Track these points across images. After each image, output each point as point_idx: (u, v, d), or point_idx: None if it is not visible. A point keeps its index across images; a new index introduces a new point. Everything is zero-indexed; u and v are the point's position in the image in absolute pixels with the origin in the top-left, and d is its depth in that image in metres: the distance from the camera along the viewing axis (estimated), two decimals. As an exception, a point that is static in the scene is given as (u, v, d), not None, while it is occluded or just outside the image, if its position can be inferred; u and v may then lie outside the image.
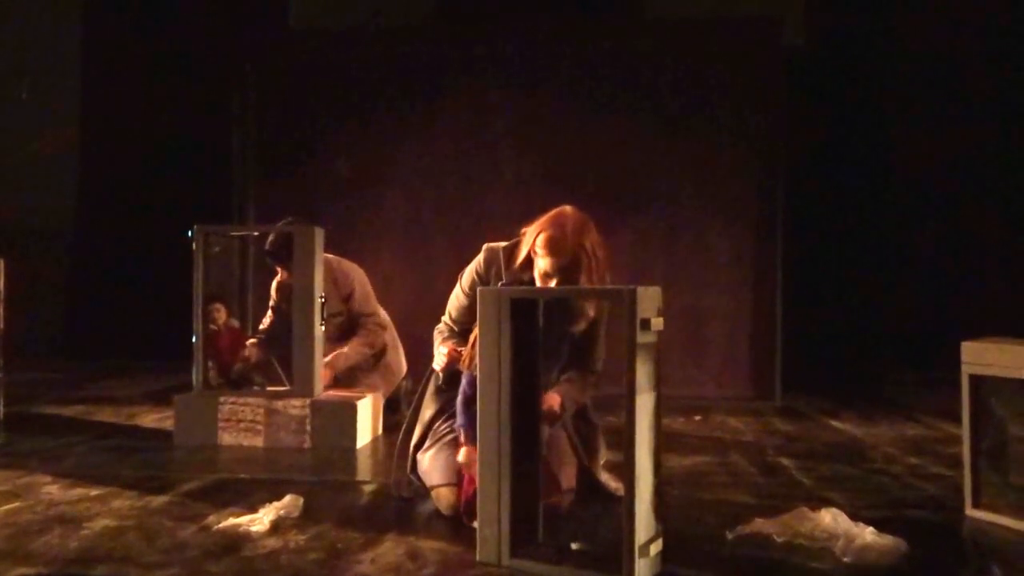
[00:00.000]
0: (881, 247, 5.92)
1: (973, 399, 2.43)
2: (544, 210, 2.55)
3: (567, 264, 2.42)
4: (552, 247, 2.42)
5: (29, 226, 7.01)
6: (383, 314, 4.23)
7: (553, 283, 2.45)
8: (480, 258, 2.70)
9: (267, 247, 3.97)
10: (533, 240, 2.47)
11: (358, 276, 4.15)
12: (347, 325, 4.10)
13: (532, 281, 2.53)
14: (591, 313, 2.58)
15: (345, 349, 3.98)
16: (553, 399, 2.47)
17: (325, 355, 3.81)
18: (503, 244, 2.67)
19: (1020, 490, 2.42)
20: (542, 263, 2.45)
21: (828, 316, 5.84)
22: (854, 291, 5.90)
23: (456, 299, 2.75)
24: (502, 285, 2.51)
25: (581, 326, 2.58)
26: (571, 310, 2.54)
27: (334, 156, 5.53)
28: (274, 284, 4.23)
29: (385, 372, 4.16)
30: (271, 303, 4.27)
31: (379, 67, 5.52)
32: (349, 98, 5.53)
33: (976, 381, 2.42)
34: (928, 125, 5.88)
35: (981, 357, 2.38)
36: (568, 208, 2.52)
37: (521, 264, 2.53)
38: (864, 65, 5.98)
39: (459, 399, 2.35)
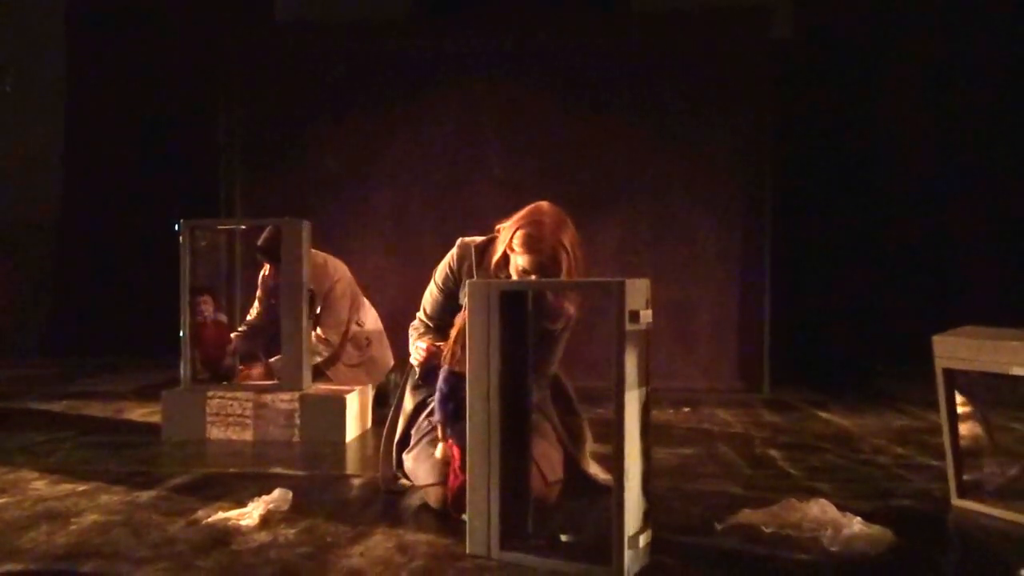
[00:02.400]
0: (869, 240, 5.94)
1: (948, 393, 2.45)
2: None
3: (546, 262, 2.38)
4: (531, 245, 2.38)
5: (14, 221, 6.96)
6: (366, 310, 4.22)
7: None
8: (453, 253, 2.66)
9: (260, 243, 3.97)
10: (510, 237, 2.42)
11: (340, 277, 4.13)
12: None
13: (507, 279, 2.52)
14: (571, 311, 2.55)
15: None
16: None
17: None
18: (477, 239, 2.64)
19: (1004, 479, 2.44)
20: (520, 260, 2.41)
21: (816, 308, 5.86)
22: (842, 283, 5.92)
23: (430, 295, 2.72)
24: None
25: (560, 324, 2.56)
26: (548, 308, 2.51)
27: (321, 150, 5.51)
28: (260, 277, 4.23)
29: (371, 366, 4.16)
30: (258, 294, 4.27)
31: (366, 62, 5.49)
32: (336, 92, 5.51)
33: (950, 374, 2.44)
34: (917, 118, 5.90)
35: (953, 351, 2.39)
36: (545, 204, 2.47)
37: (497, 262, 2.49)
38: (853, 58, 6.00)
39: (436, 395, 2.35)
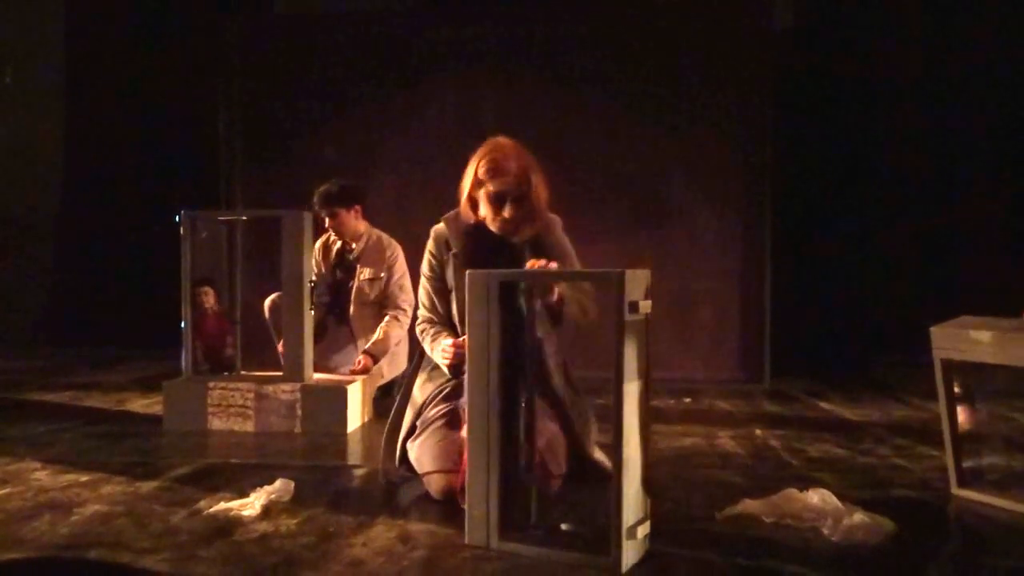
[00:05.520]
0: (869, 230, 5.93)
1: (947, 383, 2.45)
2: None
3: (513, 181, 2.46)
4: (498, 167, 2.46)
5: (15, 212, 6.96)
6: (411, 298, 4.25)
7: (507, 207, 2.48)
8: (430, 240, 2.73)
9: (318, 195, 4.10)
10: (474, 172, 2.50)
11: (400, 252, 4.23)
12: (381, 296, 4.17)
13: (480, 230, 2.56)
14: (553, 265, 2.51)
15: (379, 336, 4.06)
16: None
17: (359, 327, 4.11)
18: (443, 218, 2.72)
19: (1003, 469, 2.45)
20: (490, 187, 2.48)
21: (816, 298, 5.86)
22: (842, 274, 5.92)
23: (423, 288, 2.75)
24: (453, 255, 2.56)
25: (552, 298, 2.55)
26: (533, 243, 2.57)
27: (321, 141, 5.51)
28: (317, 247, 4.27)
29: (392, 360, 4.16)
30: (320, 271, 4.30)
31: (366, 51, 5.49)
32: (336, 83, 5.51)
33: (948, 364, 2.44)
34: (918, 108, 5.89)
35: (951, 342, 2.40)
36: (499, 136, 2.57)
37: (465, 212, 2.57)
38: (854, 48, 5.98)
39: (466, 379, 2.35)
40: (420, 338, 2.74)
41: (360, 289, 4.15)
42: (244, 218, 4.27)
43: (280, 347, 3.92)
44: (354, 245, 4.22)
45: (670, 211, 5.24)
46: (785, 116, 5.46)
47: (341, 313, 4.20)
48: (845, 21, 6.04)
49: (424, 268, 2.74)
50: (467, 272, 2.08)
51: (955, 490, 2.49)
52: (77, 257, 6.95)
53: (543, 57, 5.32)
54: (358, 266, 4.19)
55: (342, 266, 4.24)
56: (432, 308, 2.72)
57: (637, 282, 1.88)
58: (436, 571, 1.87)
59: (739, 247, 5.20)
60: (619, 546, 1.83)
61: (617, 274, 1.84)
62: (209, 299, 3.70)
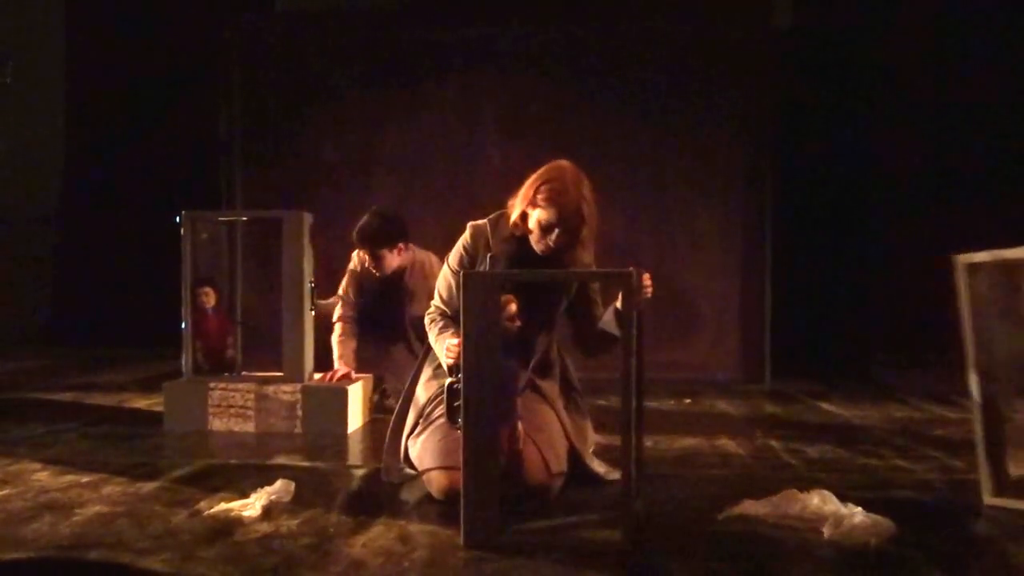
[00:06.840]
0: (870, 230, 5.93)
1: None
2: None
3: (569, 214, 2.45)
4: (555, 197, 2.46)
5: (15, 213, 6.96)
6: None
7: (555, 235, 2.47)
8: (466, 235, 2.68)
9: (360, 233, 3.88)
10: (533, 193, 2.50)
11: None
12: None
13: (522, 241, 2.55)
14: (587, 260, 2.65)
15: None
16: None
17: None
18: (487, 219, 2.69)
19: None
20: (543, 215, 2.47)
21: (816, 298, 5.86)
22: (842, 273, 5.92)
23: (445, 280, 2.71)
24: (491, 256, 2.52)
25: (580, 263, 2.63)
26: (570, 263, 2.59)
27: (322, 141, 5.51)
28: (350, 269, 4.16)
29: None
30: (342, 290, 4.14)
31: (366, 51, 5.49)
32: (336, 82, 5.51)
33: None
34: (918, 107, 5.88)
35: None
36: (563, 161, 2.58)
37: (515, 223, 2.56)
38: (853, 46, 5.97)
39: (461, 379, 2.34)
40: (428, 328, 2.70)
41: (411, 313, 4.05)
42: (244, 218, 4.26)
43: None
44: (404, 274, 4.03)
45: (670, 211, 5.24)
46: (785, 116, 5.45)
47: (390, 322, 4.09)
48: (845, 21, 6.03)
49: (452, 261, 2.68)
50: (461, 273, 2.07)
51: (989, 499, 2.35)
52: (77, 257, 6.95)
53: (543, 57, 5.32)
54: (408, 295, 4.04)
55: (386, 290, 4.04)
56: (448, 301, 2.68)
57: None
58: (436, 571, 1.87)
59: (739, 247, 5.20)
60: (632, 525, 1.84)
61: (627, 274, 1.85)
62: (210, 299, 3.71)
